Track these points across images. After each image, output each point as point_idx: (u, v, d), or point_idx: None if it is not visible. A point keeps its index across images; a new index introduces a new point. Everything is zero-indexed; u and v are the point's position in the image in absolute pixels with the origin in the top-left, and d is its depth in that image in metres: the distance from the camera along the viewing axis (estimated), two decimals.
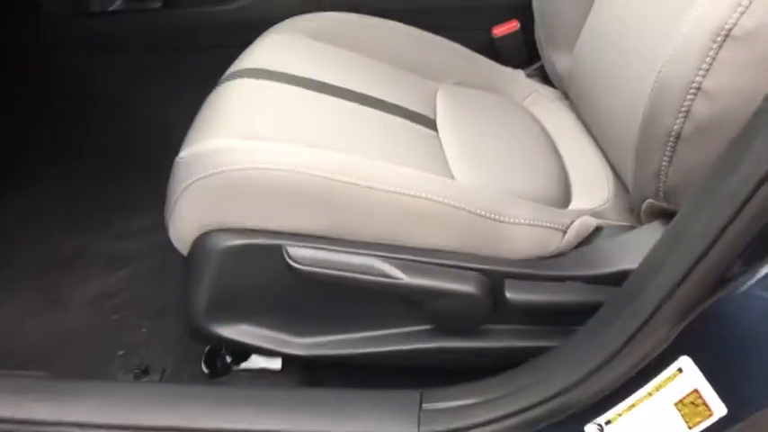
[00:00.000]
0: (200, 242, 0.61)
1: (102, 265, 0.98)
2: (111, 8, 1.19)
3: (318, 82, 0.80)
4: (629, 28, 0.75)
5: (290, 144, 0.61)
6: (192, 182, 0.59)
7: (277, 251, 0.58)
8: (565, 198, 0.73)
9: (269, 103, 0.72)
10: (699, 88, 0.49)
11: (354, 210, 0.58)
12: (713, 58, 0.48)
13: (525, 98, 0.99)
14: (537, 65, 1.04)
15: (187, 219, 0.61)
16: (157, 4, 1.17)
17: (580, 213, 0.67)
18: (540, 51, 1.01)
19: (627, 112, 0.68)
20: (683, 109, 0.51)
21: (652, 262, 0.54)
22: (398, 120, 0.79)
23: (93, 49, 1.20)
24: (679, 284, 0.48)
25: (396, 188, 0.58)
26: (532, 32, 1.02)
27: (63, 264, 0.99)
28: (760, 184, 0.44)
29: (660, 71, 0.55)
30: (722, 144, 0.50)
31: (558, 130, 0.91)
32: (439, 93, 0.92)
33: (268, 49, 0.89)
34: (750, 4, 0.47)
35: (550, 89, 1.00)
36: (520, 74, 1.03)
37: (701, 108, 0.50)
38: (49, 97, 1.21)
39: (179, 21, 1.15)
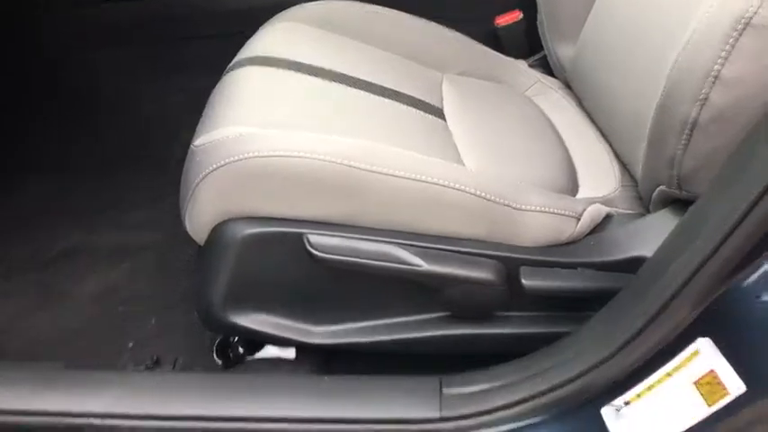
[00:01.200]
0: (219, 230, 0.61)
1: (105, 259, 0.97)
2: None
3: (326, 70, 0.80)
4: (640, 16, 0.75)
5: (309, 131, 0.61)
6: (213, 169, 0.59)
7: (297, 239, 0.59)
8: (573, 187, 0.74)
9: (280, 91, 0.72)
10: (717, 77, 0.50)
11: (374, 196, 0.59)
12: (732, 46, 0.49)
13: (528, 88, 1.00)
14: (539, 55, 1.04)
15: (206, 207, 0.61)
16: None
17: (591, 201, 0.68)
18: (543, 41, 1.01)
19: (638, 101, 0.69)
20: (700, 97, 0.52)
21: (671, 248, 0.56)
22: (407, 108, 0.79)
23: (94, 42, 1.19)
24: (698, 270, 0.49)
25: (415, 175, 0.58)
26: (535, 22, 1.03)
27: (66, 258, 0.98)
28: None
29: (677, 59, 0.56)
30: (739, 131, 0.51)
31: (562, 120, 0.92)
32: (444, 83, 0.92)
33: (272, 38, 0.89)
34: None
35: (553, 79, 1.01)
36: (522, 64, 1.04)
37: (718, 96, 0.51)
38: (49, 91, 1.20)
39: (179, 8, 1.14)
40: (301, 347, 0.69)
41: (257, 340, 0.70)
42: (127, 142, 1.17)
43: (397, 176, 0.58)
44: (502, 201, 0.60)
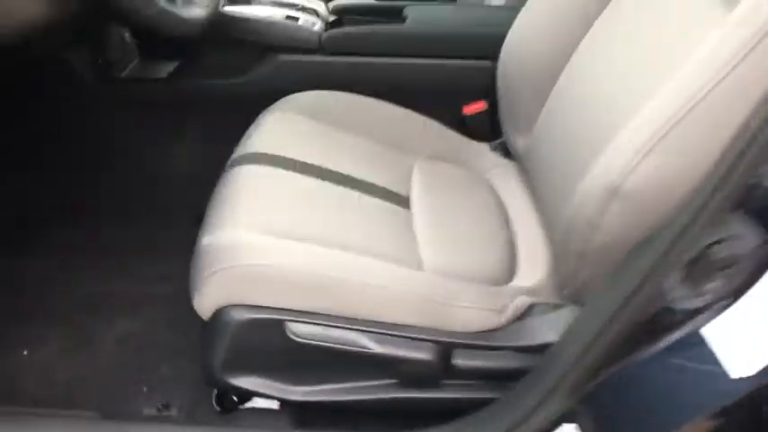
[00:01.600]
0: (218, 314, 0.78)
1: (125, 308, 1.14)
2: (122, 75, 1.35)
3: (312, 165, 0.97)
4: (576, 127, 0.92)
5: (297, 242, 0.78)
6: (214, 271, 0.76)
7: (280, 325, 0.76)
8: (509, 273, 0.90)
9: (275, 193, 0.90)
10: (596, 226, 0.67)
11: (343, 296, 0.76)
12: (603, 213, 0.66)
13: (489, 171, 1.17)
14: (501, 139, 1.21)
15: (209, 296, 0.78)
16: (164, 75, 1.32)
17: (519, 292, 0.85)
18: (502, 130, 1.18)
19: (561, 204, 0.85)
20: (587, 232, 0.69)
21: (565, 339, 0.72)
22: (378, 202, 0.96)
23: (115, 109, 1.36)
24: (578, 360, 0.66)
25: (377, 281, 0.76)
26: (497, 111, 1.20)
27: (90, 307, 1.15)
28: (642, 285, 0.61)
29: (584, 182, 0.72)
30: (622, 257, 0.68)
31: (514, 203, 1.08)
32: (415, 168, 1.09)
33: (268, 131, 1.06)
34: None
35: (512, 163, 1.17)
36: (485, 147, 1.21)
37: (599, 237, 0.68)
38: (74, 151, 1.37)
39: (187, 91, 1.31)
40: (284, 401, 0.86)
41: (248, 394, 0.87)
42: (143, 200, 1.34)
43: (363, 283, 0.76)
44: (441, 300, 0.78)
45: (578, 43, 1.01)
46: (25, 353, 1.08)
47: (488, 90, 1.18)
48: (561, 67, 1.03)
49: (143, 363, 1.04)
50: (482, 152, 1.20)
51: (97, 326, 1.12)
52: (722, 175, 0.59)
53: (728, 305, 0.58)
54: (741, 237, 0.58)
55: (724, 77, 0.61)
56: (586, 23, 1.01)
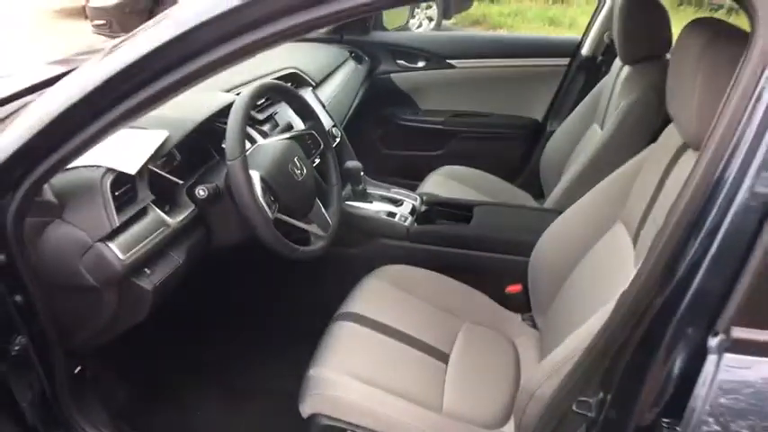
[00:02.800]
0: (311, 418, 1.30)
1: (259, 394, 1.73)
2: None
3: (389, 327, 1.49)
4: (565, 319, 1.36)
5: (363, 384, 1.29)
6: (312, 394, 1.29)
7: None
8: (504, 420, 1.33)
9: (359, 347, 1.42)
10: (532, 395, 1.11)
11: (381, 423, 1.25)
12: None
13: (517, 337, 1.61)
14: (530, 313, 1.65)
15: (306, 406, 1.30)
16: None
17: None
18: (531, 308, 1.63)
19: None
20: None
21: None
22: (425, 357, 1.45)
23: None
24: None
25: (402, 417, 1.24)
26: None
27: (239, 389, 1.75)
28: None
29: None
30: None
31: (529, 366, 1.51)
32: (461, 331, 1.57)
33: (366, 296, 1.60)
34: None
35: (536, 333, 1.61)
36: (518, 318, 1.66)
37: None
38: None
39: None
40: None
41: None
42: (286, 325, 1.94)
43: (394, 417, 1.25)
44: None
45: (584, 257, 1.46)
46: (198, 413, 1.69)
47: (524, 277, 1.65)
48: (572, 270, 1.48)
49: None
50: (515, 322, 1.65)
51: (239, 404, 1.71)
52: None
53: None
54: None
55: None
56: (593, 241, 1.46)
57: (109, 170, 1.11)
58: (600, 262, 1.36)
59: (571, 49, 2.58)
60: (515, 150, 2.74)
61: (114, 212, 1.08)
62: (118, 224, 1.09)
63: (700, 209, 0.72)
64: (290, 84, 1.95)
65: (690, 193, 0.73)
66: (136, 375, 1.63)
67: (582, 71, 2.55)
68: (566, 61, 2.61)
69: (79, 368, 1.33)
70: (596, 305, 1.04)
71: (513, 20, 8.46)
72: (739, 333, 0.71)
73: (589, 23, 2.55)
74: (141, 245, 1.14)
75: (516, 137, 2.75)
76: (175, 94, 0.94)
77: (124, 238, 1.11)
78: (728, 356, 0.71)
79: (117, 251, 1.08)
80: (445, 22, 7.53)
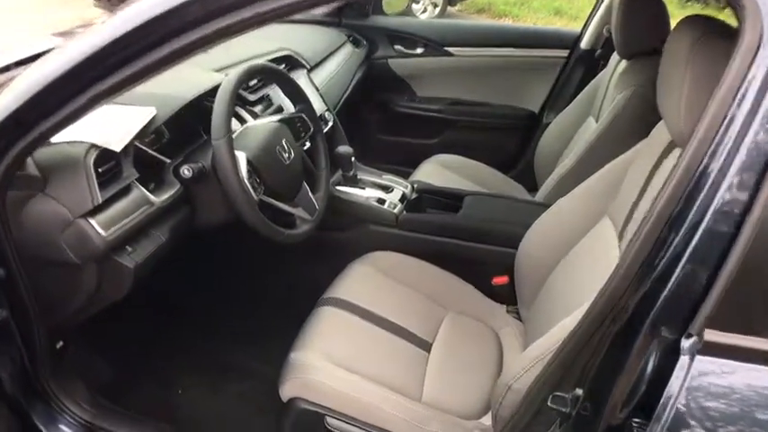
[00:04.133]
0: (290, 401, 1.30)
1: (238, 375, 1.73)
2: None
3: (372, 313, 1.49)
4: (546, 313, 1.36)
5: (342, 370, 1.28)
6: (291, 377, 1.29)
7: (322, 418, 1.26)
8: (482, 413, 1.34)
9: (340, 332, 1.42)
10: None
11: (359, 409, 1.25)
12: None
13: (501, 328, 1.61)
14: (516, 306, 1.66)
15: (286, 390, 1.29)
16: None
17: (479, 427, 1.28)
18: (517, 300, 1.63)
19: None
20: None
21: None
22: (408, 345, 1.45)
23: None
24: None
25: (379, 403, 1.25)
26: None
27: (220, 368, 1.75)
28: None
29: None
30: None
31: (511, 356, 1.52)
32: (445, 320, 1.57)
33: (352, 281, 1.60)
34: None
35: (519, 325, 1.61)
36: (502, 309, 1.66)
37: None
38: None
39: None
40: None
41: None
42: (271, 302, 1.94)
43: (372, 403, 1.25)
44: (417, 423, 1.24)
45: (569, 251, 1.46)
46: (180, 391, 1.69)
47: (511, 269, 1.65)
48: (557, 263, 1.47)
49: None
50: (499, 313, 1.65)
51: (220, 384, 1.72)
52: None
53: None
54: None
55: None
56: (580, 235, 1.45)
57: (93, 146, 1.10)
58: (584, 257, 1.36)
59: (570, 41, 2.56)
60: (511, 142, 2.73)
61: (97, 189, 1.07)
62: (100, 201, 1.08)
63: (680, 207, 0.71)
64: (284, 66, 1.93)
65: (670, 190, 0.72)
66: (118, 353, 1.63)
67: (580, 64, 2.53)
68: (564, 53, 2.60)
69: (61, 344, 1.33)
70: (579, 300, 1.04)
71: (518, 9, 8.38)
72: (713, 336, 0.71)
73: (589, 16, 2.53)
74: (123, 222, 1.13)
75: (512, 128, 2.73)
76: (162, 69, 0.93)
77: (107, 215, 1.11)
78: (700, 359, 0.71)
79: (98, 228, 1.07)
80: (450, 9, 7.46)
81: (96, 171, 1.09)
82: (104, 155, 1.11)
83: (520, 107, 2.73)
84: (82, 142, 1.09)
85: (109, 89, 0.92)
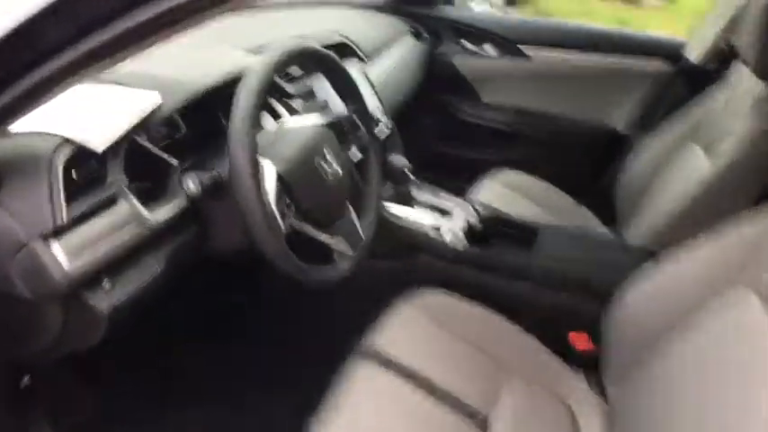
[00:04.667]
0: None
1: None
2: None
3: (420, 376, 1.17)
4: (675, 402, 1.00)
5: None
6: None
7: None
8: None
9: (373, 397, 1.11)
10: None
11: None
12: None
13: (578, 407, 1.27)
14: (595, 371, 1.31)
15: None
16: None
17: None
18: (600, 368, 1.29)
19: None
20: None
21: None
22: (457, 418, 1.12)
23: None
24: None
25: None
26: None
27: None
28: None
29: None
30: None
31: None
32: (506, 386, 1.24)
33: (396, 330, 1.28)
34: None
35: (602, 403, 1.26)
36: (581, 378, 1.32)
37: None
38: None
39: None
40: None
41: None
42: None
43: None
44: None
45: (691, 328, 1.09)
46: None
47: (591, 325, 1.30)
48: (673, 341, 1.11)
49: None
50: (577, 385, 1.30)
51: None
52: None
53: None
54: None
55: None
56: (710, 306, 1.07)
57: (67, 141, 0.81)
58: (718, 340, 1.01)
59: (673, 52, 2.16)
60: (585, 162, 2.35)
61: (63, 201, 0.78)
62: (65, 219, 0.78)
63: None
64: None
65: None
66: (94, 392, 1.34)
67: (684, 79, 2.14)
68: (663, 65, 2.21)
69: (27, 380, 1.06)
70: (711, 403, 0.77)
71: (580, 19, 7.97)
72: None
73: (699, 24, 2.14)
74: (100, 247, 0.83)
75: (588, 146, 2.36)
76: (158, 36, 0.63)
77: (77, 235, 0.81)
78: None
79: (61, 255, 0.77)
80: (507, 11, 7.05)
81: (68, 176, 0.80)
82: (82, 154, 0.82)
83: (599, 122, 2.36)
84: (52, 135, 0.80)
85: (81, 59, 0.62)
